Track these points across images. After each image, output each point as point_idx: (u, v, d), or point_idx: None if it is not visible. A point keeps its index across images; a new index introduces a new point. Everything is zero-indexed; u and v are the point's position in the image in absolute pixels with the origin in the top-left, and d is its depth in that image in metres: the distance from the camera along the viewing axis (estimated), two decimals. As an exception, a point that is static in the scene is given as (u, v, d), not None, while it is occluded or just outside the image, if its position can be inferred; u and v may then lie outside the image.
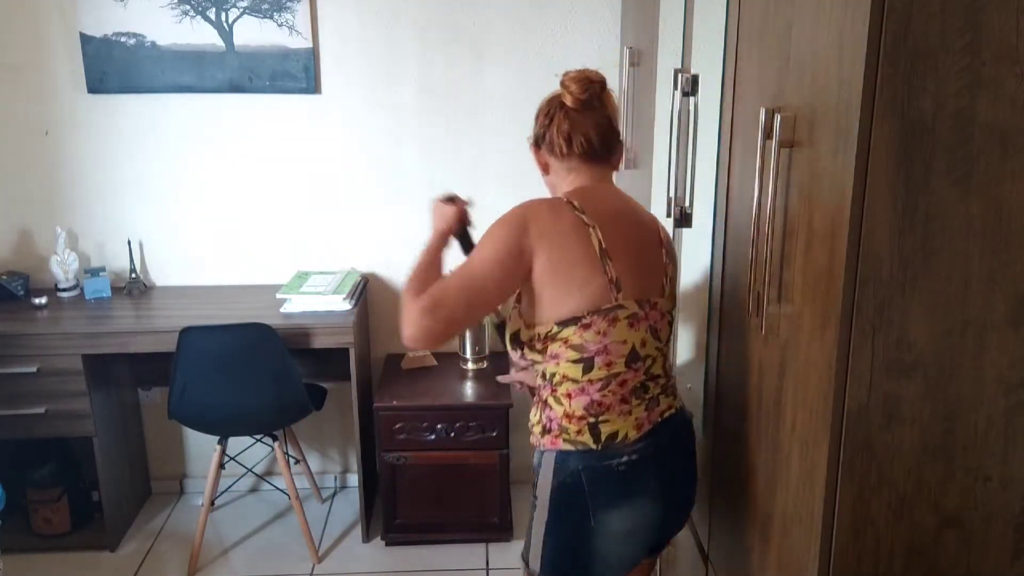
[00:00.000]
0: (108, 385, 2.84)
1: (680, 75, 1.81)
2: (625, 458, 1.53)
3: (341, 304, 2.76)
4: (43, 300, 2.80)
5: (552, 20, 2.87)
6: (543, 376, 1.60)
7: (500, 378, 2.06)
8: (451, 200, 1.78)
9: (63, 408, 2.66)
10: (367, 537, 2.91)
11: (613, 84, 2.87)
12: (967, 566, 1.17)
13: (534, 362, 1.62)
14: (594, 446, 1.53)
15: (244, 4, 2.79)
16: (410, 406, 2.75)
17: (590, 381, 1.53)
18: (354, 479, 3.22)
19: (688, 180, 1.85)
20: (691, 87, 1.78)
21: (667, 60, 2.05)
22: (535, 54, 2.89)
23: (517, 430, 3.19)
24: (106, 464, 2.81)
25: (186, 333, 2.52)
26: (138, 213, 2.99)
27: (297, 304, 2.76)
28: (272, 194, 3.00)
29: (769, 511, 1.38)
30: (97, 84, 2.84)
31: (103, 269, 2.94)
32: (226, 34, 2.82)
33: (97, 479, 2.79)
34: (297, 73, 2.85)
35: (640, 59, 2.44)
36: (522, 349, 1.61)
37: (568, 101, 1.61)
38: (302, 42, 2.83)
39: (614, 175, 1.72)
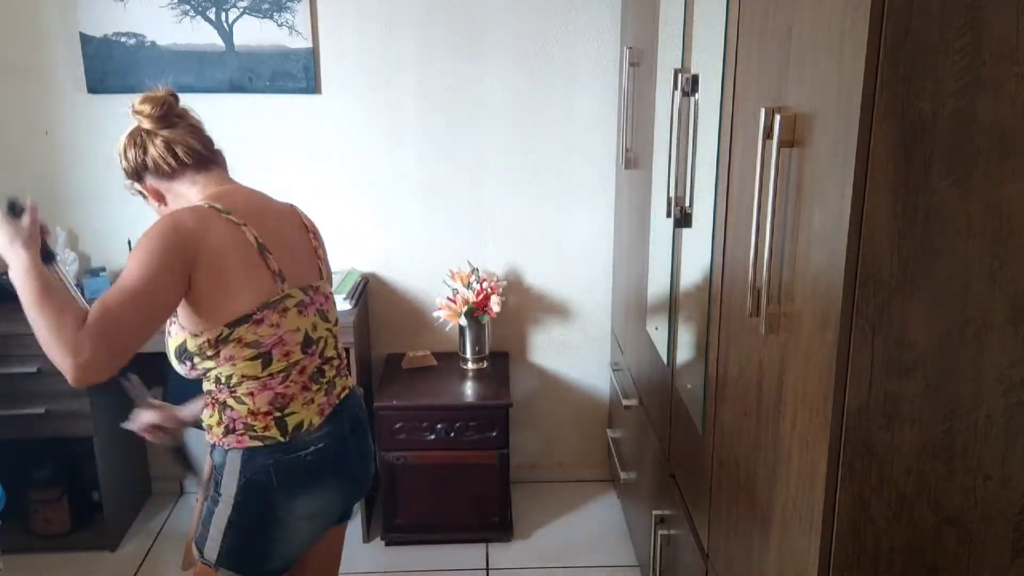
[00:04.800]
0: (108, 385, 2.83)
1: (680, 75, 1.82)
2: (312, 448, 1.60)
3: (341, 304, 2.76)
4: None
5: (552, 20, 2.87)
6: (217, 381, 1.59)
7: (125, 425, 1.84)
8: (13, 209, 1.54)
9: (63, 408, 2.66)
10: (367, 537, 2.91)
11: (613, 84, 2.90)
12: (967, 565, 1.17)
13: (207, 370, 1.59)
14: (282, 439, 1.58)
15: (244, 4, 2.79)
16: (410, 406, 2.76)
17: (271, 375, 1.57)
18: (354, 479, 3.22)
19: (688, 180, 1.85)
20: (691, 87, 1.78)
21: (667, 60, 2.05)
22: (535, 54, 2.89)
23: (517, 430, 3.19)
24: (106, 464, 2.81)
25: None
26: (138, 213, 2.97)
27: (297, 304, 2.76)
28: (272, 194, 2.99)
29: (769, 511, 1.38)
30: (97, 84, 2.84)
31: (103, 269, 2.94)
32: (226, 34, 2.82)
33: (97, 479, 2.79)
34: (297, 73, 2.85)
35: (640, 59, 2.44)
36: (191, 361, 1.58)
37: (147, 124, 1.61)
38: (302, 42, 2.83)
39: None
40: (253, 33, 2.81)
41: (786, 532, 1.31)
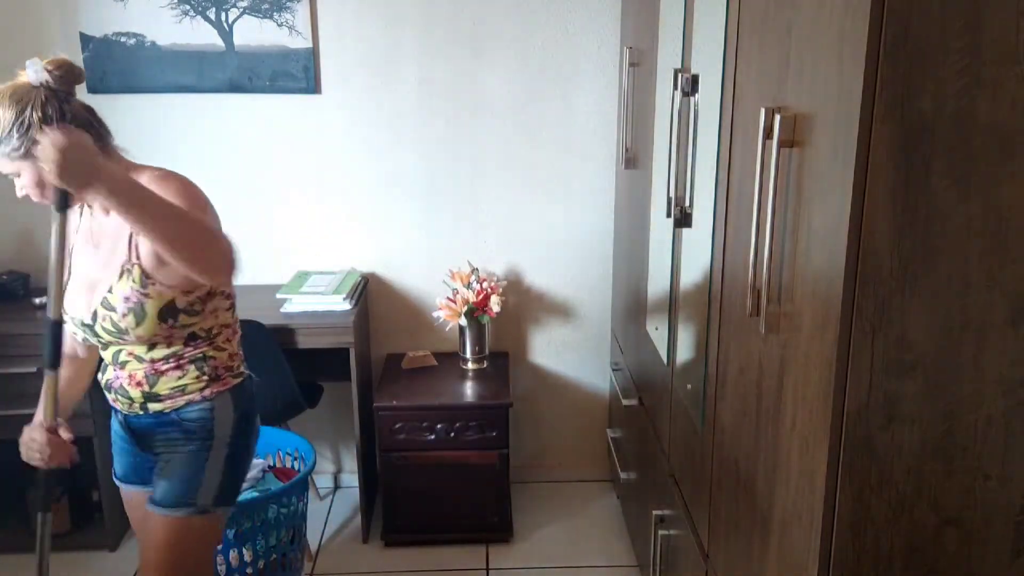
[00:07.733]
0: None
1: (680, 75, 1.82)
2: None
3: (341, 304, 2.76)
4: (43, 300, 2.80)
5: (552, 20, 2.87)
6: (193, 337, 1.63)
7: (31, 456, 1.78)
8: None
9: (63, 408, 2.65)
10: (366, 537, 2.91)
11: (613, 84, 2.90)
12: (967, 565, 1.17)
13: (185, 327, 1.62)
14: (247, 371, 1.78)
15: (244, 4, 2.79)
16: (410, 406, 2.76)
17: (236, 320, 1.76)
18: (354, 479, 3.22)
19: (688, 180, 1.85)
20: (691, 87, 1.78)
21: (667, 60, 2.05)
22: (535, 54, 2.89)
23: (517, 430, 3.19)
24: (106, 464, 2.80)
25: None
26: (138, 213, 2.99)
27: (297, 304, 2.76)
28: (272, 194, 3.00)
29: (769, 511, 1.38)
30: (97, 84, 2.83)
31: (103, 269, 2.94)
32: (226, 34, 2.82)
33: (97, 479, 2.79)
34: (297, 73, 2.85)
35: (640, 59, 2.44)
36: (174, 319, 1.59)
37: (64, 86, 1.49)
38: (302, 42, 2.83)
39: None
40: (253, 33, 2.81)
41: (786, 532, 1.31)
